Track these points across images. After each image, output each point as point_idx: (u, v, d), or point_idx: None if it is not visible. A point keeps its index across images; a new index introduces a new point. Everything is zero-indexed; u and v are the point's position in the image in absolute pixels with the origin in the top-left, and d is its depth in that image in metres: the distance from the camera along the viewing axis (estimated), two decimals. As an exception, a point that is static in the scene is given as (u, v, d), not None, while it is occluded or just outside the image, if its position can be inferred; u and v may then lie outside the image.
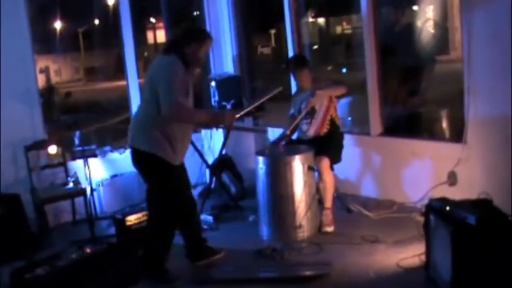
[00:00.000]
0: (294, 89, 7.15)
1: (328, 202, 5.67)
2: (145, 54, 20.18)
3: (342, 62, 16.56)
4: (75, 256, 5.14)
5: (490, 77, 5.11)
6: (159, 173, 4.77)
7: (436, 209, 4.17)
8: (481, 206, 4.04)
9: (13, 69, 6.07)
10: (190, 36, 4.77)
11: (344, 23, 25.66)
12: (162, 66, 4.65)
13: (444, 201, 4.19)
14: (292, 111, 6.12)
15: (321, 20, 24.39)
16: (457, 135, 5.66)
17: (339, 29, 25.94)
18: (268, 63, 20.88)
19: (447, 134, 6.50)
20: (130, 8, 6.95)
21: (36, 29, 6.59)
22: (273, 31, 24.31)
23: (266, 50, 23.52)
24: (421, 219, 5.03)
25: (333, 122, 5.89)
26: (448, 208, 4.03)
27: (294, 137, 6.09)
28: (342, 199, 6.06)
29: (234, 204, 6.61)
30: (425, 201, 4.68)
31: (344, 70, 11.41)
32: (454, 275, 3.86)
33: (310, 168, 5.43)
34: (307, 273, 4.67)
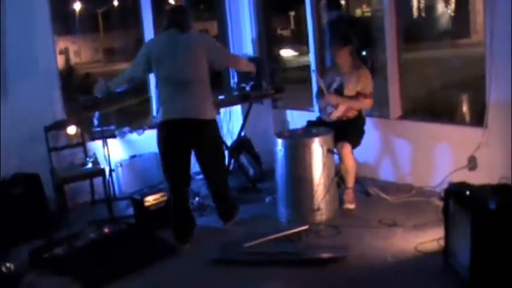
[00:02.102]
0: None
1: (350, 182, 5.70)
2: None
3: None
4: (93, 236, 5.20)
5: (512, 59, 5.04)
6: (219, 135, 5.52)
7: (456, 193, 4.12)
8: (502, 191, 3.99)
9: (33, 49, 6.09)
10: (190, 15, 5.22)
11: (364, 6, 25.46)
12: (203, 38, 5.33)
13: (464, 185, 4.15)
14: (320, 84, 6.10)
15: (341, 3, 24.15)
16: (478, 119, 5.60)
17: (358, 12, 25.76)
18: (288, 46, 20.81)
19: (467, 118, 6.45)
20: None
21: (55, 9, 6.58)
22: (292, 13, 24.18)
23: (285, 32, 23.43)
24: (440, 203, 5.01)
25: (359, 111, 5.87)
26: (467, 193, 3.99)
27: (316, 118, 6.06)
28: (360, 182, 6.04)
29: (252, 186, 6.61)
30: (445, 186, 4.65)
31: (364, 53, 11.30)
32: (472, 260, 3.82)
33: (329, 151, 5.41)
34: (325, 255, 4.65)
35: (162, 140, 5.13)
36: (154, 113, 5.70)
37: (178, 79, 5.03)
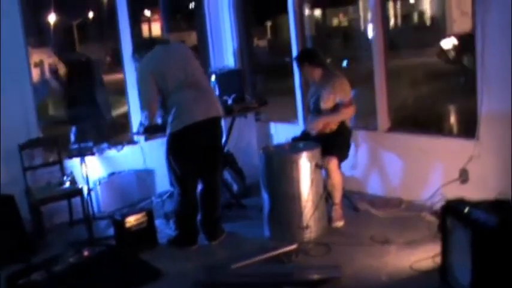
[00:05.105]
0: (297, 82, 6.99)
1: (337, 198, 5.55)
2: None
3: (341, 54, 16.47)
4: (72, 260, 5.01)
5: (504, 70, 4.91)
6: None
7: (454, 210, 3.99)
8: (500, 207, 3.88)
9: (5, 62, 5.83)
10: None
11: (340, 15, 25.62)
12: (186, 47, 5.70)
13: (461, 202, 4.02)
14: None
15: (317, 12, 24.36)
16: (469, 131, 5.48)
17: (335, 21, 25.90)
18: (265, 55, 20.89)
19: (457, 129, 6.34)
20: (127, 0, 6.73)
21: (29, 22, 6.36)
22: (269, 23, 24.26)
23: (262, 43, 23.47)
24: (432, 218, 4.90)
25: (342, 122, 5.65)
26: (466, 210, 3.85)
27: (300, 132, 5.89)
28: (349, 197, 5.89)
29: (236, 202, 6.42)
30: (435, 199, 4.53)
31: (345, 63, 11.20)
32: (473, 279, 3.71)
33: (317, 166, 5.23)
34: (316, 276, 4.48)
35: (184, 145, 5.14)
36: (169, 122, 5.30)
37: (191, 82, 5.16)
